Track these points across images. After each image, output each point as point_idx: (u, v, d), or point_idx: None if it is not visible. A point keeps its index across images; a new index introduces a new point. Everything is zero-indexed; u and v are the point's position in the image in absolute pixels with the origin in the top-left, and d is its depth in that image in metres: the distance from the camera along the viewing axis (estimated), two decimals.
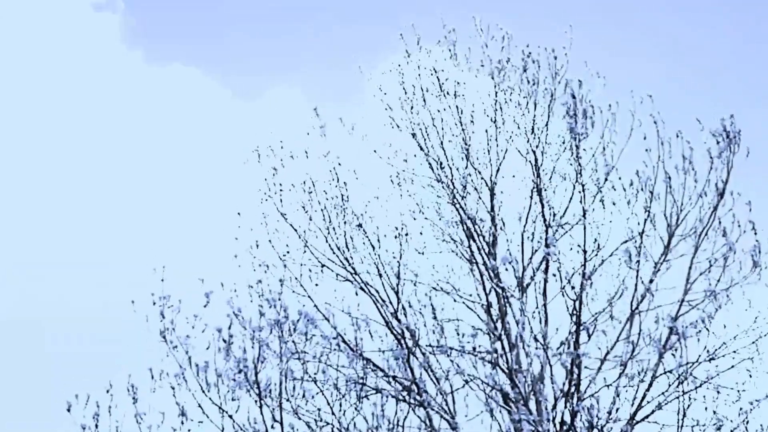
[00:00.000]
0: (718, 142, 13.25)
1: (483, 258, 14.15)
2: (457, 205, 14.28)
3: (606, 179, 13.41)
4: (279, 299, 13.15)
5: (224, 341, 12.64)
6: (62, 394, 13.20)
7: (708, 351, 13.09)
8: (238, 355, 12.81)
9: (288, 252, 13.83)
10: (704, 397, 13.35)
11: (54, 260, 24.49)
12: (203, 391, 12.86)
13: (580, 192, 13.27)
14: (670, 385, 12.91)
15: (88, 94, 26.77)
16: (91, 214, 24.94)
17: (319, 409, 13.08)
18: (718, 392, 12.90)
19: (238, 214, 13.64)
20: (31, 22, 27.26)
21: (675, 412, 13.48)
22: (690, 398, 12.77)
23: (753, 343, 13.40)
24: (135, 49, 27.99)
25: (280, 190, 14.05)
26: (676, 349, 12.98)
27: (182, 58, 27.28)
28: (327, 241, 13.90)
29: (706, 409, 13.51)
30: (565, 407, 12.76)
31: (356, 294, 13.71)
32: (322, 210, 14.02)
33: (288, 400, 12.96)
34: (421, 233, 14.52)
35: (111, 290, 21.21)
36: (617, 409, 12.81)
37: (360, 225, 13.94)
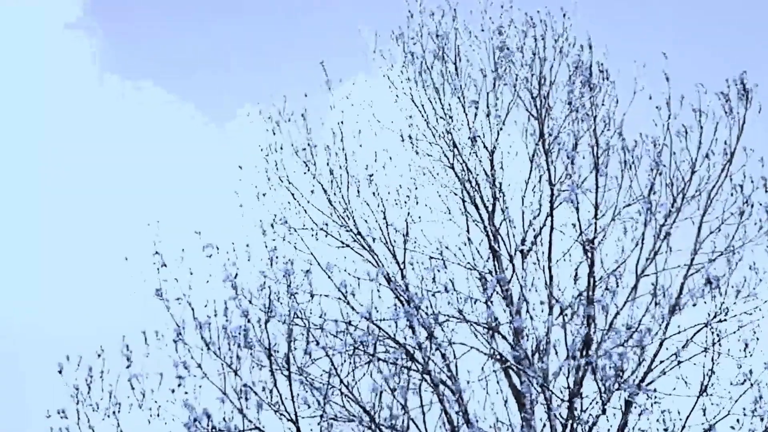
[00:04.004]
0: (727, 100, 13.16)
1: (484, 222, 13.91)
2: (458, 170, 14.04)
3: (619, 133, 13.27)
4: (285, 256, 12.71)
5: (233, 287, 12.08)
6: (53, 357, 12.63)
7: (722, 309, 12.91)
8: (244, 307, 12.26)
9: (289, 209, 13.49)
10: (710, 360, 13.19)
11: (47, 223, 24.00)
12: (207, 347, 12.31)
13: (592, 146, 13.11)
14: (688, 340, 12.70)
15: (61, 109, 26.46)
16: (82, 188, 24.50)
17: (325, 371, 12.60)
18: (746, 345, 12.67)
19: (240, 167, 13.24)
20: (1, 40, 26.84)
21: (677, 378, 13.37)
22: (715, 351, 12.53)
23: (758, 307, 13.29)
24: (108, 67, 27.77)
25: (281, 148, 13.71)
26: (687, 305, 12.83)
27: (155, 78, 26.96)
28: (329, 202, 13.57)
29: (709, 377, 13.34)
30: (581, 358, 12.45)
31: (354, 249, 13.38)
32: (320, 175, 13.73)
33: (294, 362, 12.47)
34: (416, 202, 14.26)
35: (105, 249, 20.63)
36: (636, 366, 12.58)
37: (358, 190, 13.67)
